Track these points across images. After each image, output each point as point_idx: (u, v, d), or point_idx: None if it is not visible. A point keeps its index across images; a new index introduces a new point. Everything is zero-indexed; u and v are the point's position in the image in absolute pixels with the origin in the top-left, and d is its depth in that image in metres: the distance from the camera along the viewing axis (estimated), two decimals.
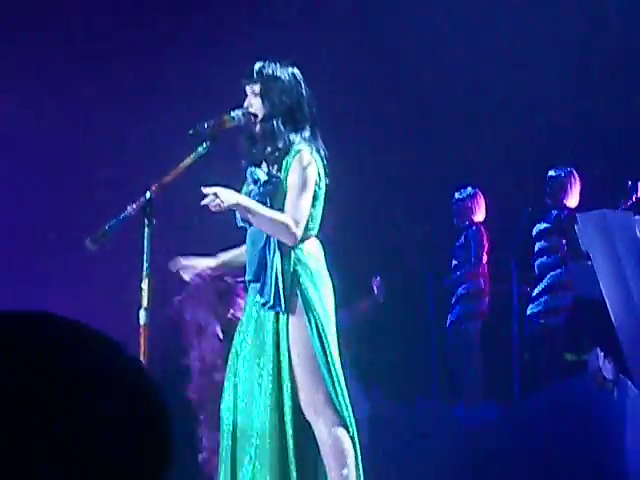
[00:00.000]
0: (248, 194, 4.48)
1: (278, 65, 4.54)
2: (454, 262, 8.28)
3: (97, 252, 4.17)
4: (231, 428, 4.41)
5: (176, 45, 8.20)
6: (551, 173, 7.77)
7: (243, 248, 4.64)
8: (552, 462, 6.21)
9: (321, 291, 4.42)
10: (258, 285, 4.39)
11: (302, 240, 4.45)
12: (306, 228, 4.46)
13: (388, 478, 6.72)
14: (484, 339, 8.14)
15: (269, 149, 4.49)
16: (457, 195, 8.19)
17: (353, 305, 7.31)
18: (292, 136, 4.47)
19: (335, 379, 4.36)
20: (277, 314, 4.38)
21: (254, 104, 4.51)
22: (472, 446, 6.96)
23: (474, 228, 8.14)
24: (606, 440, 6.30)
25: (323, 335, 4.35)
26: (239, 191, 4.52)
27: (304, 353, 4.34)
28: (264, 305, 4.38)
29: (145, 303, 4.12)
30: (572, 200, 7.67)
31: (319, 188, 4.50)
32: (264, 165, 4.54)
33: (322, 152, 4.53)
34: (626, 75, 8.31)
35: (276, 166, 4.50)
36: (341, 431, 4.34)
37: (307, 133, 4.51)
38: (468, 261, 8.16)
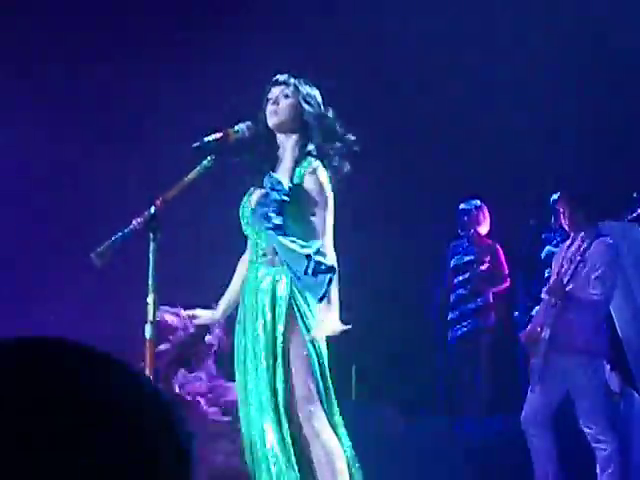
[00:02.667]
0: (264, 199, 4.44)
1: (302, 79, 4.60)
2: (463, 276, 8.24)
3: (101, 267, 4.15)
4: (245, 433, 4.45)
5: (177, 56, 8.21)
6: (554, 197, 7.78)
7: (236, 285, 4.64)
8: (560, 475, 6.17)
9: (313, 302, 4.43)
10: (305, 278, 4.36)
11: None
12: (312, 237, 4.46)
13: None
14: (491, 353, 8.13)
15: (287, 155, 4.50)
16: (463, 206, 8.18)
17: None
18: (325, 142, 4.49)
19: (328, 389, 4.37)
20: (273, 319, 4.37)
21: (282, 104, 4.51)
22: (478, 460, 6.94)
23: (489, 244, 8.15)
24: None
25: (316, 344, 4.35)
26: (239, 201, 4.55)
27: (298, 354, 4.35)
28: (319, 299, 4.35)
29: (151, 317, 4.10)
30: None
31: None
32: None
33: (333, 165, 4.54)
34: (630, 88, 8.31)
35: (287, 175, 4.49)
36: (329, 430, 4.35)
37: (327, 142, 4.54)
38: (479, 275, 8.16)
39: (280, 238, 4.35)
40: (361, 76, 8.65)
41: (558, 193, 7.70)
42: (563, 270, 6.16)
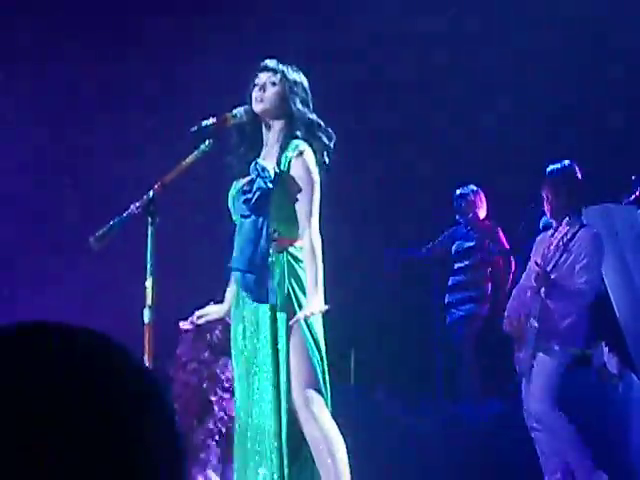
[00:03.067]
0: (249, 186, 4.43)
1: (291, 65, 4.59)
2: (464, 262, 8.23)
3: (100, 250, 4.15)
4: (240, 430, 4.44)
5: (175, 44, 8.22)
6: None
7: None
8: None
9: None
10: (251, 277, 4.35)
11: (297, 238, 4.44)
12: (300, 227, 4.44)
13: (391, 477, 6.71)
14: (487, 336, 8.14)
15: (272, 140, 4.49)
16: (459, 191, 8.18)
17: None
18: (312, 127, 4.48)
19: (325, 376, 4.37)
20: (273, 313, 4.36)
21: (268, 92, 4.50)
22: (475, 444, 6.95)
23: (489, 226, 8.13)
24: (611, 434, 6.29)
25: (312, 329, 4.35)
26: (229, 186, 4.54)
27: (298, 345, 4.34)
28: (254, 300, 4.36)
29: (149, 302, 4.10)
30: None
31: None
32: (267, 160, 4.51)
33: (321, 151, 4.53)
34: (628, 71, 8.31)
35: (273, 160, 4.48)
36: (327, 415, 4.35)
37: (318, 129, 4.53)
38: (479, 262, 8.16)
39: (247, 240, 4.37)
40: (359, 72, 8.67)
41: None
42: (547, 258, 6.14)
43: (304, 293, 4.36)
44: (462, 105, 8.63)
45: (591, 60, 8.51)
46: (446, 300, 8.29)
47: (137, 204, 4.16)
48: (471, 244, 8.20)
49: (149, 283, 4.11)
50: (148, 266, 4.11)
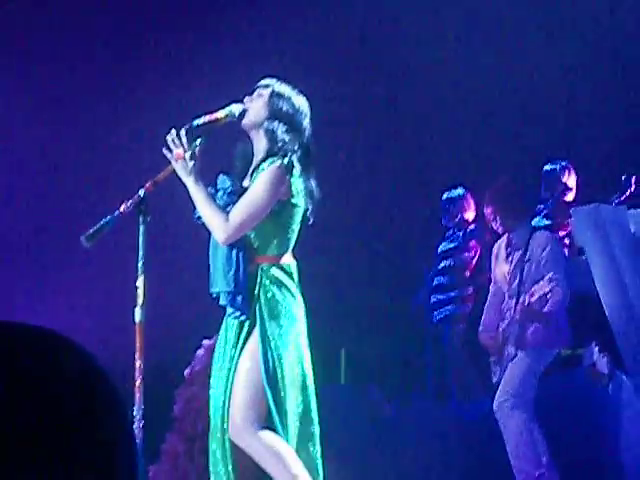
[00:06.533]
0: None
1: (290, 86, 4.52)
2: (446, 262, 8.24)
3: (91, 250, 4.15)
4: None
5: (168, 45, 8.23)
6: (547, 167, 7.76)
7: None
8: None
9: (288, 305, 4.30)
10: (229, 296, 4.30)
11: (278, 256, 4.38)
12: (281, 245, 4.38)
13: (386, 476, 6.73)
14: (466, 339, 8.16)
15: (260, 156, 4.43)
16: (447, 195, 8.20)
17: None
18: (289, 143, 4.39)
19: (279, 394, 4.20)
20: (241, 326, 4.31)
21: (254, 105, 4.45)
22: (469, 442, 6.97)
23: (476, 230, 8.13)
24: (601, 433, 6.31)
25: (275, 352, 4.21)
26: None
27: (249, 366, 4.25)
28: (231, 315, 4.30)
29: (140, 301, 4.11)
30: (570, 193, 7.63)
31: (297, 207, 4.36)
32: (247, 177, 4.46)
33: (311, 179, 4.44)
34: (621, 70, 8.33)
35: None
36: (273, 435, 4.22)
37: (301, 149, 4.43)
38: (462, 262, 8.18)
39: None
40: (351, 71, 8.68)
41: (548, 164, 7.70)
42: (512, 271, 6.18)
43: (275, 316, 4.23)
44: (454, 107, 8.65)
45: (584, 57, 8.53)
46: (431, 300, 8.31)
47: (128, 203, 4.17)
48: (455, 244, 8.22)
49: (140, 282, 4.12)
50: (139, 265, 4.12)
